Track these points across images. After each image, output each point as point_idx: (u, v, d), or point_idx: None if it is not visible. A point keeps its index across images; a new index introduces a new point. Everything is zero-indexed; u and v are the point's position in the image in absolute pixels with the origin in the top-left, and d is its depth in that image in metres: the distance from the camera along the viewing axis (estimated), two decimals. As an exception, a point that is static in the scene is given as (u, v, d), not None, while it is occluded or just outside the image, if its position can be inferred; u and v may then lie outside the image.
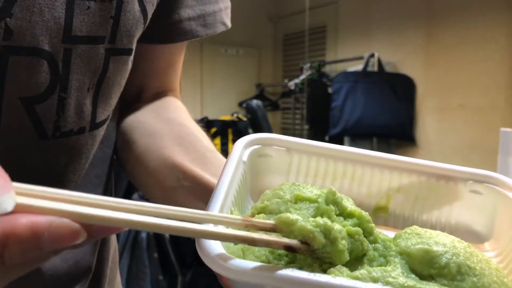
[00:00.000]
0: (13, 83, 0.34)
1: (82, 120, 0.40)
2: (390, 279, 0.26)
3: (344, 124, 3.07)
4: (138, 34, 0.42)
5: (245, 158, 0.35)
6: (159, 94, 0.52)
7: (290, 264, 0.27)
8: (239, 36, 4.13)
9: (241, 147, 0.35)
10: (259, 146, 0.37)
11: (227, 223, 0.27)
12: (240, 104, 3.74)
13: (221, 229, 0.26)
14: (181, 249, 1.96)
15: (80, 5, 0.36)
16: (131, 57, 0.43)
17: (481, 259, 0.30)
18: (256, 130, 3.00)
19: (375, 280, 0.26)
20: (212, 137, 3.52)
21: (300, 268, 0.26)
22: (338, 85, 3.15)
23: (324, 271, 0.27)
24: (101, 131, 0.44)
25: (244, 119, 3.29)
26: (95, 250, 0.48)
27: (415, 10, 3.00)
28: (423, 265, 0.28)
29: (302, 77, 3.52)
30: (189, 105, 0.56)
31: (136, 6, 0.40)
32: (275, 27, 4.46)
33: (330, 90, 3.26)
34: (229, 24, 0.51)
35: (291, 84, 3.64)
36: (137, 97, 0.51)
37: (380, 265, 0.29)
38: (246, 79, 4.35)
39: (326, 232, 0.26)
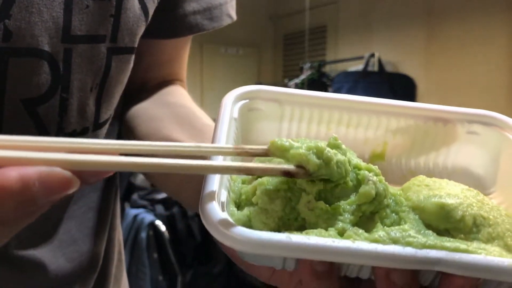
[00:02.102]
0: (14, 85, 0.34)
1: (85, 120, 0.40)
2: (410, 239, 0.25)
3: (344, 124, 3.07)
4: (140, 32, 0.41)
5: (235, 114, 0.33)
6: (164, 83, 0.52)
7: (299, 229, 0.26)
8: (239, 36, 4.13)
9: (231, 103, 0.33)
10: (248, 100, 0.35)
11: (219, 153, 0.26)
12: (240, 104, 3.73)
13: (213, 161, 0.25)
14: (181, 249, 1.96)
15: (79, 4, 0.35)
16: (133, 56, 0.42)
17: (492, 206, 0.29)
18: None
19: (395, 241, 0.25)
20: (212, 137, 3.52)
21: (317, 234, 0.25)
22: (338, 85, 3.14)
23: (340, 233, 0.26)
24: (104, 130, 0.43)
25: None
26: (101, 246, 0.48)
27: (416, 10, 2.99)
28: (439, 220, 0.28)
29: (302, 77, 3.52)
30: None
31: (136, 4, 0.40)
32: (275, 27, 4.45)
33: (330, 90, 3.26)
34: (234, 16, 0.50)
35: (291, 84, 3.64)
36: (141, 87, 0.51)
37: (394, 223, 0.28)
38: (246, 79, 4.34)
39: (319, 153, 0.26)
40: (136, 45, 0.42)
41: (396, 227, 0.27)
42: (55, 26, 0.34)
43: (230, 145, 0.26)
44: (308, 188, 0.27)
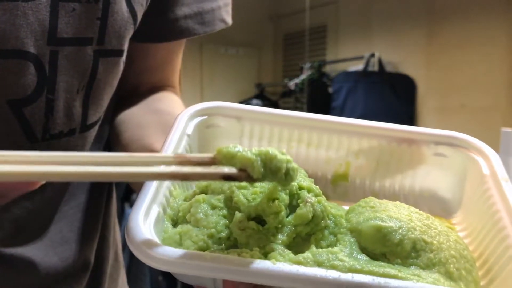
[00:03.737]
0: (0, 86, 0.34)
1: (72, 122, 0.40)
2: (336, 262, 0.24)
3: (345, 124, 3.06)
4: (128, 35, 0.41)
5: (189, 131, 0.32)
6: (155, 88, 0.52)
7: (231, 248, 0.25)
8: (239, 36, 4.12)
9: (185, 120, 0.32)
10: (205, 117, 0.34)
11: (158, 163, 0.24)
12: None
13: (146, 168, 0.23)
14: (181, 250, 1.95)
15: (65, 7, 0.35)
16: (123, 58, 0.42)
17: (440, 231, 0.28)
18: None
19: (319, 264, 0.24)
20: (212, 137, 3.51)
21: (239, 254, 0.24)
22: (339, 85, 3.14)
23: (266, 254, 0.25)
24: (93, 132, 0.43)
25: (244, 119, 3.28)
26: (92, 247, 0.48)
27: (416, 10, 2.99)
28: (374, 243, 0.27)
29: (302, 77, 3.51)
30: (189, 105, 0.55)
31: (124, 7, 0.40)
32: (275, 27, 4.45)
33: (330, 90, 3.25)
34: (229, 21, 0.50)
35: (291, 84, 3.63)
36: (132, 92, 0.51)
37: (330, 245, 0.27)
38: (246, 79, 4.34)
39: (267, 161, 0.24)
40: (124, 48, 0.42)
41: (325, 250, 0.25)
42: (41, 28, 0.35)
43: (171, 155, 0.24)
44: (242, 208, 0.26)
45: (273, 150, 0.25)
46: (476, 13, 2.64)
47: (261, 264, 0.23)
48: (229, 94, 4.16)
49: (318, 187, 0.28)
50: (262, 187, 0.28)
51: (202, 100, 4.17)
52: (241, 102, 3.70)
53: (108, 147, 0.51)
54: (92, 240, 0.48)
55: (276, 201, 0.26)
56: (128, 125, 0.47)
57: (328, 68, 3.56)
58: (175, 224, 0.28)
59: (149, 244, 0.23)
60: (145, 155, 0.24)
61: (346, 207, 0.30)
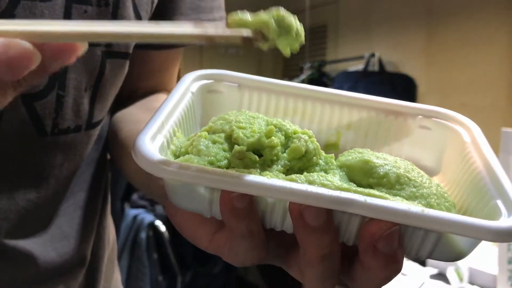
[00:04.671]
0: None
1: (79, 118, 0.42)
2: (326, 182, 0.26)
3: (345, 124, 3.06)
4: None
5: (193, 89, 0.34)
6: (152, 92, 0.54)
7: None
8: (239, 36, 4.12)
9: (190, 80, 0.34)
10: (210, 81, 0.36)
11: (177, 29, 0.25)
12: (240, 104, 3.73)
13: (174, 28, 0.24)
14: (181, 250, 1.95)
15: (78, 9, 0.38)
16: (128, 61, 0.45)
17: (422, 174, 0.29)
18: (256, 130, 2.99)
19: (310, 183, 0.26)
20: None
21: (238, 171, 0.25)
22: (339, 84, 3.14)
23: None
24: (96, 131, 0.45)
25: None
26: (89, 243, 0.49)
27: (416, 10, 2.99)
28: (362, 175, 0.28)
29: (303, 76, 3.52)
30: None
31: (131, 12, 0.42)
32: (276, 27, 4.45)
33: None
34: None
35: (292, 84, 3.63)
36: (130, 95, 0.53)
37: None
38: (246, 79, 4.35)
39: (280, 20, 0.26)
40: (130, 51, 0.44)
41: (316, 173, 0.27)
42: None
43: (189, 22, 0.25)
44: (241, 142, 0.28)
45: (282, 10, 0.27)
46: (476, 13, 2.64)
47: (256, 178, 0.24)
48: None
49: (311, 131, 0.30)
50: (259, 128, 0.29)
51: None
52: (241, 102, 3.71)
53: (107, 149, 0.52)
54: (89, 237, 0.49)
55: (273, 137, 0.28)
56: (126, 123, 0.48)
57: (328, 68, 3.57)
58: (176, 158, 0.29)
59: (152, 154, 0.24)
60: (170, 23, 0.25)
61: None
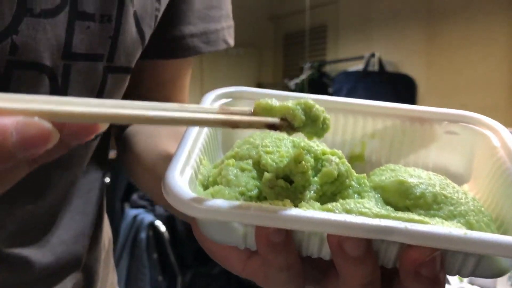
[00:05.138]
0: None
1: None
2: (364, 210, 0.25)
3: (345, 124, 3.06)
4: (136, 53, 0.44)
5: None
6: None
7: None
8: (239, 36, 4.09)
9: (209, 102, 0.34)
10: (228, 99, 0.35)
11: (204, 113, 0.25)
12: (240, 104, 3.73)
13: (198, 114, 0.24)
14: (181, 250, 1.95)
15: (81, 25, 0.38)
16: (129, 76, 0.45)
17: (458, 189, 0.29)
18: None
19: (348, 212, 0.25)
20: (212, 137, 3.51)
21: (271, 204, 0.25)
22: (339, 85, 3.14)
23: (296, 207, 0.25)
24: (95, 143, 0.46)
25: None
26: (85, 246, 0.50)
27: (416, 10, 2.99)
28: (398, 196, 0.28)
29: (303, 77, 3.51)
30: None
31: (133, 28, 0.42)
32: (275, 27, 4.45)
33: (330, 90, 3.25)
34: (231, 42, 0.53)
35: (291, 84, 3.63)
36: None
37: None
38: (246, 79, 4.34)
39: (307, 109, 0.26)
40: (132, 66, 0.44)
41: (352, 200, 0.26)
42: (57, 43, 0.37)
43: (215, 107, 0.25)
44: (270, 169, 0.27)
45: (310, 100, 0.26)
46: (476, 13, 2.64)
47: (292, 210, 0.23)
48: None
49: (340, 151, 0.29)
50: (287, 152, 0.29)
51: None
52: (241, 102, 3.71)
53: (105, 154, 0.52)
54: (85, 241, 0.49)
55: (303, 162, 0.27)
56: (140, 136, 0.48)
57: (328, 68, 3.56)
58: (205, 188, 0.29)
59: (185, 193, 0.24)
60: (194, 106, 0.25)
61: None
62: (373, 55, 3.07)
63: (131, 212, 1.95)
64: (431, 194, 0.27)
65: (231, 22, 0.53)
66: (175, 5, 0.47)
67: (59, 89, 0.39)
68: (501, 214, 0.29)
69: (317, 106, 0.26)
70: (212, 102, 0.34)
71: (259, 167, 0.28)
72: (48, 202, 0.43)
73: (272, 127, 0.25)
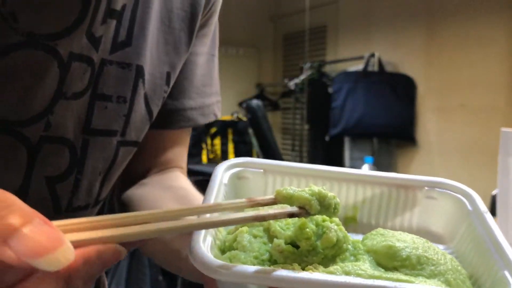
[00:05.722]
0: (42, 164, 0.42)
1: (89, 198, 0.48)
2: (360, 272, 0.31)
3: (345, 124, 3.07)
4: (145, 129, 0.51)
5: (225, 180, 0.39)
6: (165, 170, 0.59)
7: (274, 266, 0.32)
8: (239, 36, 4.13)
9: (222, 171, 0.39)
10: (239, 169, 0.41)
11: (236, 208, 0.31)
12: (240, 104, 3.74)
13: (231, 215, 0.29)
14: (181, 250, 1.95)
15: (99, 105, 0.44)
16: (136, 148, 0.51)
17: (438, 251, 0.34)
18: (256, 130, 2.99)
19: (347, 273, 0.30)
20: (212, 137, 3.51)
21: (282, 268, 0.29)
22: (338, 85, 3.15)
23: (302, 269, 0.31)
24: (98, 207, 0.51)
25: (244, 119, 3.29)
26: None
27: (416, 10, 2.99)
28: (387, 259, 0.33)
29: (302, 77, 3.52)
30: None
31: (143, 107, 0.49)
32: (275, 27, 4.46)
33: (330, 90, 3.26)
34: (219, 115, 0.61)
35: (291, 84, 3.64)
36: (144, 174, 0.58)
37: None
38: (246, 79, 4.35)
39: (321, 199, 0.32)
40: (140, 140, 0.51)
41: (350, 263, 0.32)
42: (79, 120, 0.43)
43: (243, 199, 0.31)
44: (279, 236, 0.33)
45: (323, 190, 0.32)
46: (475, 14, 2.65)
47: (300, 274, 0.28)
48: (229, 94, 4.16)
49: (338, 219, 0.34)
50: (293, 220, 0.34)
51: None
52: (241, 102, 3.71)
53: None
54: None
55: (307, 229, 0.32)
56: (145, 202, 0.53)
57: (328, 68, 3.57)
58: (222, 252, 0.34)
59: (211, 260, 0.29)
60: (225, 203, 0.30)
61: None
62: (372, 55, 3.08)
63: (131, 212, 1.95)
64: (415, 257, 0.33)
65: (219, 98, 0.61)
66: (178, 81, 0.54)
67: (77, 159, 0.44)
68: (474, 272, 0.35)
69: (329, 194, 0.32)
70: (223, 172, 0.39)
71: (269, 234, 0.33)
72: None
73: (292, 215, 0.31)
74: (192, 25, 0.52)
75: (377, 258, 0.33)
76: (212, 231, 0.33)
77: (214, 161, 3.32)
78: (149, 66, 0.48)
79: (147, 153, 0.56)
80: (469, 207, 0.38)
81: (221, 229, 0.35)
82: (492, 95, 2.60)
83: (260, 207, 0.31)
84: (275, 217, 0.30)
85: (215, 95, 0.60)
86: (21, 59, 0.38)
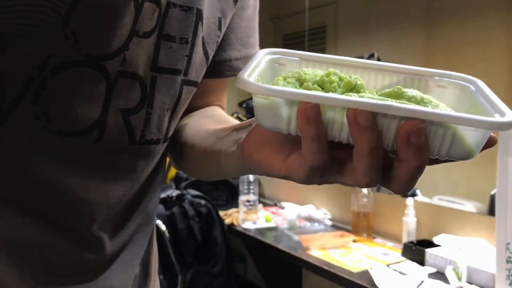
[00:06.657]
0: (117, 97, 0.46)
1: (160, 133, 0.52)
2: (371, 96, 0.36)
3: (344, 124, 3.07)
4: (203, 70, 0.55)
5: (266, 59, 0.43)
6: (207, 106, 0.66)
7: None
8: (239, 36, 4.11)
9: (263, 53, 0.44)
10: (277, 56, 0.45)
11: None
12: (240, 104, 3.74)
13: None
14: (181, 249, 1.96)
15: (165, 45, 0.49)
16: (196, 89, 0.55)
17: (441, 104, 0.38)
18: (256, 130, 2.99)
19: (361, 97, 0.35)
20: (212, 137, 3.51)
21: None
22: (338, 85, 3.15)
23: None
24: (166, 143, 0.55)
25: (244, 119, 3.29)
26: (153, 233, 0.65)
27: (415, 10, 3.00)
28: (395, 97, 0.37)
29: (302, 77, 3.52)
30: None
31: (201, 49, 0.53)
32: (275, 27, 4.46)
33: (330, 90, 3.26)
34: None
35: (291, 84, 3.63)
36: (188, 111, 0.63)
37: None
38: (246, 79, 4.34)
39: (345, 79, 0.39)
40: (199, 81, 0.55)
41: (365, 93, 0.37)
42: (148, 58, 0.47)
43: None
44: (308, 79, 0.39)
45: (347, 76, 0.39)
46: (475, 14, 2.65)
47: (324, 93, 0.35)
48: (229, 94, 4.15)
49: (358, 76, 0.40)
50: (321, 73, 0.40)
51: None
52: (241, 102, 3.72)
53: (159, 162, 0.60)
54: (152, 226, 0.64)
55: (332, 76, 0.39)
56: (188, 128, 0.59)
57: (327, 68, 3.57)
58: None
59: (254, 82, 0.35)
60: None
61: None
62: (372, 55, 3.08)
63: (131, 212, 1.95)
64: (420, 97, 0.37)
65: (258, 48, 0.66)
66: (226, 34, 0.59)
67: (147, 94, 0.48)
68: None
69: (354, 76, 0.39)
70: (264, 55, 0.44)
71: (300, 82, 0.38)
72: (132, 192, 0.53)
73: None
74: None
75: (386, 97, 0.38)
76: (257, 74, 0.39)
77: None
78: (206, 10, 0.52)
79: (194, 98, 0.60)
80: (473, 89, 0.43)
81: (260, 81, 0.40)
82: (492, 95, 2.60)
83: None
84: None
85: (257, 45, 0.66)
86: None
